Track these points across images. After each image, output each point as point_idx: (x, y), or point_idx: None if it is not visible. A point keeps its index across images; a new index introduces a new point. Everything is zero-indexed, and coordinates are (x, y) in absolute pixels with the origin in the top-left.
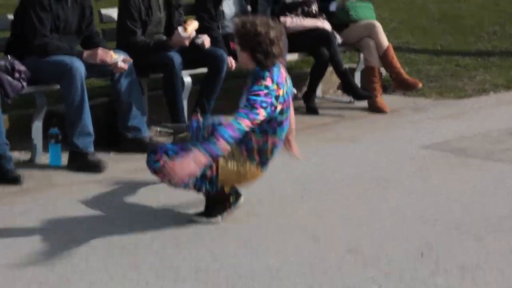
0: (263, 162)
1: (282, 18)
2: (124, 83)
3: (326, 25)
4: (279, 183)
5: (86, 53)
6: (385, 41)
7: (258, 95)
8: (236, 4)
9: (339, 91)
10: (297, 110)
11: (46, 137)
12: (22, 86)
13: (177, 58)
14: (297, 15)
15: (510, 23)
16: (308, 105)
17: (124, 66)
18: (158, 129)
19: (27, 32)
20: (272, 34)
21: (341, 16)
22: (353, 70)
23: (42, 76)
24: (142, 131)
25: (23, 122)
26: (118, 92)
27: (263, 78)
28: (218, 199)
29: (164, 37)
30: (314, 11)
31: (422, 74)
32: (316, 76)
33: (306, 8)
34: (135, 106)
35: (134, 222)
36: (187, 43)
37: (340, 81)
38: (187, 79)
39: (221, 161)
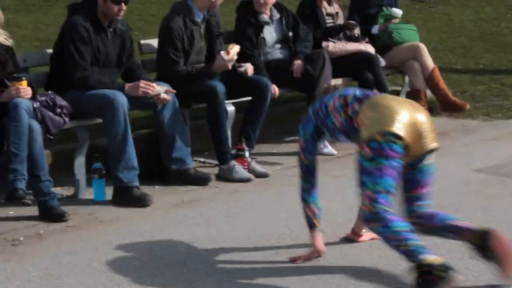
0: None
1: (324, 43)
2: (167, 114)
3: (369, 48)
4: (333, 213)
5: (128, 86)
6: (430, 63)
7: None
8: (277, 31)
9: None
10: None
11: (89, 171)
12: (64, 122)
13: (220, 87)
14: (339, 39)
15: None
16: None
17: (167, 97)
18: (202, 159)
19: (67, 66)
20: None
21: (384, 39)
22: (397, 93)
23: (83, 110)
24: (186, 163)
25: (65, 157)
26: (161, 123)
27: None
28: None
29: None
30: (356, 35)
31: (467, 95)
32: None
33: (348, 32)
34: (178, 137)
35: (187, 259)
36: (230, 66)
37: None
38: (231, 108)
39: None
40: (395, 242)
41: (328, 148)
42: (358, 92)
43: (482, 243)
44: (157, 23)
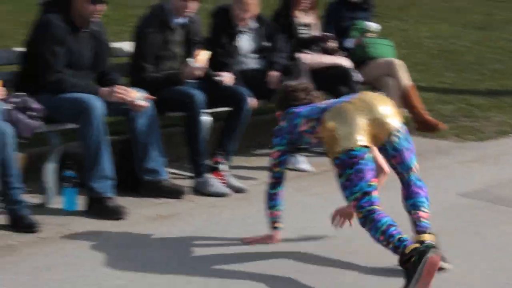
0: None
1: (299, 55)
2: (142, 122)
3: (345, 62)
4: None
5: (102, 90)
6: (406, 80)
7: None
8: (254, 41)
9: None
10: (311, 153)
11: (60, 179)
12: (39, 126)
13: (199, 95)
14: (314, 51)
15: (511, 61)
16: None
17: (144, 104)
18: (174, 171)
19: (40, 67)
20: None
21: (359, 53)
22: None
23: (57, 114)
24: (160, 174)
25: (35, 161)
26: (135, 131)
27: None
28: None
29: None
30: (332, 48)
31: (435, 114)
32: None
33: (324, 45)
34: (153, 147)
35: (169, 272)
36: (198, 73)
37: None
38: (207, 118)
39: None
40: (384, 242)
41: (305, 163)
42: (315, 113)
43: (417, 254)
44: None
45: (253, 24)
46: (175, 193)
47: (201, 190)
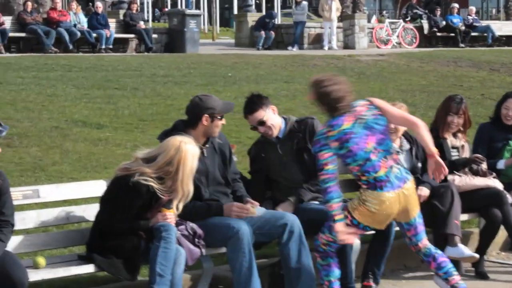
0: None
1: (450, 177)
2: (293, 247)
3: (497, 184)
4: None
5: (225, 208)
6: None
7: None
8: (406, 161)
9: (503, 253)
10: (464, 275)
11: None
12: (201, 253)
13: None
14: (465, 173)
15: None
16: (477, 269)
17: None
18: None
19: None
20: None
21: (511, 174)
22: None
23: (208, 239)
24: None
25: (185, 285)
26: (286, 257)
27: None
28: None
29: None
30: (483, 169)
31: None
32: (487, 238)
33: (475, 166)
34: (304, 272)
35: None
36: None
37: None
38: (357, 242)
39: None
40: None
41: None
42: (371, 177)
43: None
44: None
45: (406, 145)
46: None
47: None
